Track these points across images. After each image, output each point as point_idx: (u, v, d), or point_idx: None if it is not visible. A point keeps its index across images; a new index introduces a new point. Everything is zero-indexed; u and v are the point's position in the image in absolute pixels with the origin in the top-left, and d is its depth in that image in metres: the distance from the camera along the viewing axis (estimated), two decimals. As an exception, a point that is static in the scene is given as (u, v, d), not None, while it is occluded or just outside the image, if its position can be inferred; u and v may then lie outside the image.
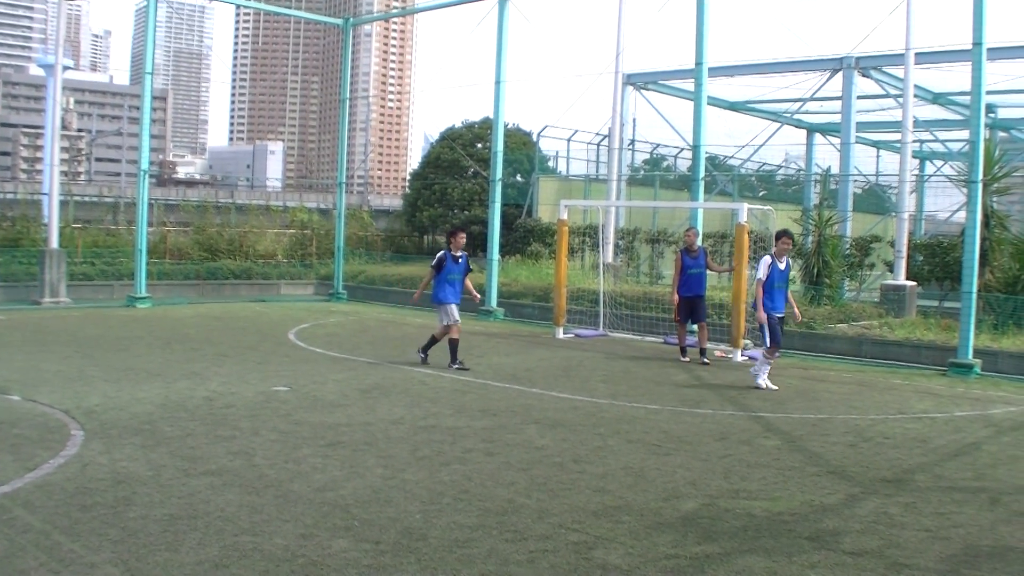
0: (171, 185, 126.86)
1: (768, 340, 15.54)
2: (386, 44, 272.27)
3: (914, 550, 7.53)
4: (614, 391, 14.90)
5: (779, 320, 15.82)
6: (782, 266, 15.84)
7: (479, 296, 19.20)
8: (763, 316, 15.49)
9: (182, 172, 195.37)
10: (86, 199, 51.27)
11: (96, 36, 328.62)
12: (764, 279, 15.59)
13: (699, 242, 19.57)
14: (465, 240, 17.59)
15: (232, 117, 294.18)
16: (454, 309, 17.16)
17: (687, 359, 18.70)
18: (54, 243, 26.07)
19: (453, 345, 16.95)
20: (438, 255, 17.47)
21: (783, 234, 16.18)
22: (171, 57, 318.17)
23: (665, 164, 43.68)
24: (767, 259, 15.82)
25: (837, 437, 11.92)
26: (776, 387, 15.45)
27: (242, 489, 8.59)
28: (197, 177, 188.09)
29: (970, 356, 17.82)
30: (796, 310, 16.67)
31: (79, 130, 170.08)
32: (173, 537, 7.23)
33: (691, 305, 18.63)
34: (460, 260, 17.28)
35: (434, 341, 17.34)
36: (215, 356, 17.06)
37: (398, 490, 8.73)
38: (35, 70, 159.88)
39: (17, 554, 6.79)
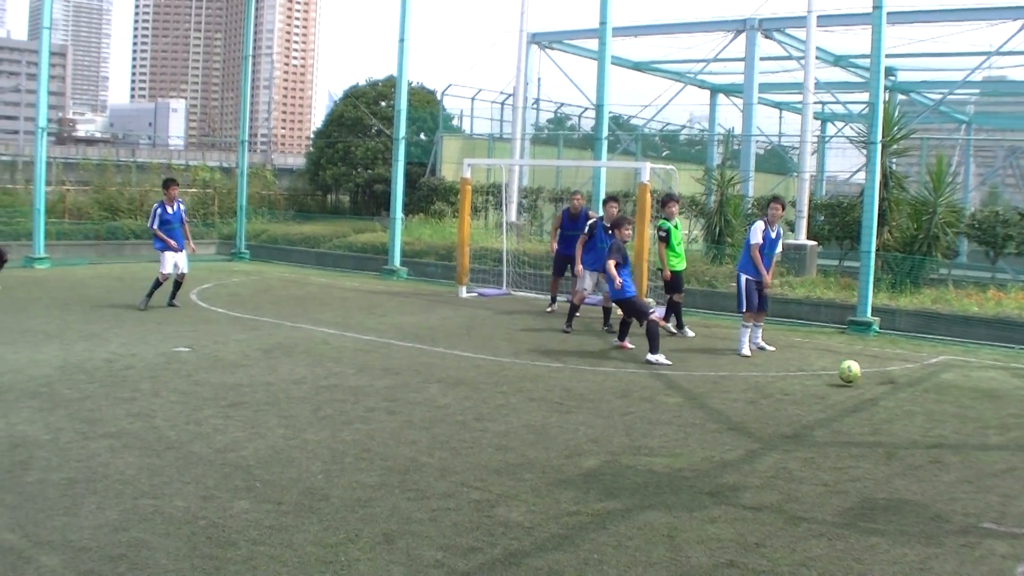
0: (71, 143, 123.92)
1: (742, 305, 15.45)
2: (291, 1, 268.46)
3: (812, 504, 7.63)
4: (516, 349, 14.88)
5: (757, 285, 15.48)
6: (773, 233, 15.63)
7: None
8: (769, 281, 15.63)
9: (82, 130, 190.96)
10: (-17, 157, 49.82)
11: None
12: (760, 243, 15.40)
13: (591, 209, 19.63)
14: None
15: (134, 74, 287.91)
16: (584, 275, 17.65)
17: (550, 310, 19.70)
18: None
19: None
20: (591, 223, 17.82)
21: (773, 199, 16.26)
22: (71, 12, 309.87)
23: (569, 123, 43.64)
24: (761, 224, 15.60)
25: (738, 394, 12.04)
26: (750, 353, 15.20)
27: (142, 451, 8.46)
28: (98, 135, 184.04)
29: (868, 314, 18.11)
30: (767, 277, 15.84)
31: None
32: (72, 501, 7.11)
33: (568, 262, 18.81)
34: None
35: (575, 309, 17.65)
36: (115, 317, 16.73)
37: (300, 450, 8.66)
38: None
39: (-95, 519, 6.61)
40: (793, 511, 7.45)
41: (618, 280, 14.65)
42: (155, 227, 18.50)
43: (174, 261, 18.43)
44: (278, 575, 5.93)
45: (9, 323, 15.61)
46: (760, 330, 15.87)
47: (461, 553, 6.36)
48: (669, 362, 13.98)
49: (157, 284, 18.25)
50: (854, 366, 12.81)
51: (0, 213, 28.64)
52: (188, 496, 7.31)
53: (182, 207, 19.01)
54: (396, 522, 6.90)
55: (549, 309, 19.83)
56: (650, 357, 14.24)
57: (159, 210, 18.54)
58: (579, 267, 17.60)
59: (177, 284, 18.63)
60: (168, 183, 19.11)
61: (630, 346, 14.72)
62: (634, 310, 14.87)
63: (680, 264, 17.56)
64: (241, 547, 6.34)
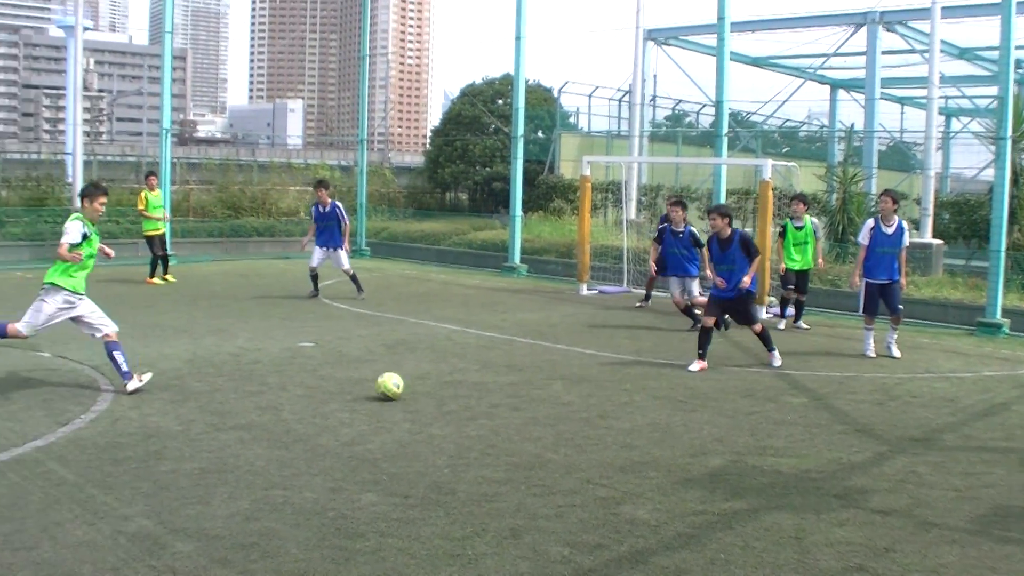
0: (192, 144, 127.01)
1: (860, 307, 15.06)
2: (404, 1, 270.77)
3: (943, 510, 7.50)
4: (639, 347, 14.89)
5: (880, 288, 14.64)
6: (889, 230, 14.59)
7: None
8: (855, 282, 14.89)
9: (203, 131, 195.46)
10: (109, 159, 50.91)
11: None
12: (866, 244, 14.61)
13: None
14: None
15: (251, 75, 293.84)
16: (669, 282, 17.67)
17: (640, 305, 20.00)
18: (78, 203, 25.92)
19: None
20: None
21: (882, 193, 15.35)
22: (189, 16, 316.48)
23: (687, 120, 43.38)
24: (870, 222, 14.85)
25: (864, 395, 11.89)
26: (874, 355, 14.68)
27: (271, 443, 8.69)
28: (218, 136, 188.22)
29: (998, 315, 17.67)
30: (855, 278, 15.01)
31: (100, 90, 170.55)
32: (204, 491, 7.33)
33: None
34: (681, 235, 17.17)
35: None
36: (241, 313, 17.14)
37: (425, 445, 8.80)
38: (55, 31, 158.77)
39: (52, 506, 6.89)
40: (923, 516, 7.34)
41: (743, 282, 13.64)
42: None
43: (320, 256, 19.64)
44: (406, 567, 6.03)
45: (139, 318, 16.06)
46: (895, 333, 15.07)
47: (587, 550, 6.41)
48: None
49: (312, 274, 19.77)
50: (388, 382, 10.72)
51: (127, 212, 29.28)
52: (317, 488, 7.48)
53: (339, 208, 19.70)
54: (522, 517, 6.97)
55: (639, 304, 20.06)
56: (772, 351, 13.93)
57: (312, 209, 20.02)
58: (653, 270, 18.40)
59: (352, 278, 19.76)
60: (316, 185, 20.26)
61: (776, 363, 13.70)
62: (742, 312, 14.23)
63: (796, 264, 17.35)
64: (370, 539, 6.47)
